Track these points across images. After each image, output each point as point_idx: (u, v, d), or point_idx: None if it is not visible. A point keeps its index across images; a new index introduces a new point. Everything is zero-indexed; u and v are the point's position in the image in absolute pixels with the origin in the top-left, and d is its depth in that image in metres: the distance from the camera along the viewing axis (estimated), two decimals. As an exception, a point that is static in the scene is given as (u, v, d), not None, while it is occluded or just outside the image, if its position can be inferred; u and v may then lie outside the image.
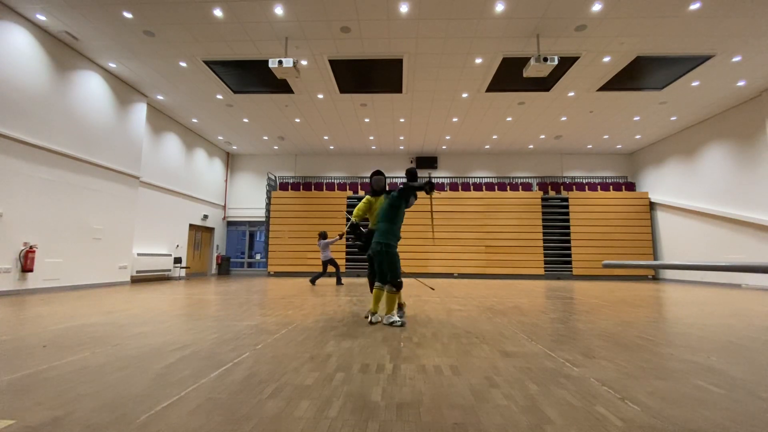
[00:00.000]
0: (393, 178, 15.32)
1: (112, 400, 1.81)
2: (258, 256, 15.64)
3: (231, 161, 15.62)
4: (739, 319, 4.46)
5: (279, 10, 6.53)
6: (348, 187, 14.56)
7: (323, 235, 9.27)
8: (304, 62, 8.23)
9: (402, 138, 13.35)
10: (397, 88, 9.48)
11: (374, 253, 3.80)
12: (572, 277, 13.29)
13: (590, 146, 14.12)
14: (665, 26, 6.85)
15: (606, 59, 8.01)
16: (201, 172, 13.39)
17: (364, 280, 9.99)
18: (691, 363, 2.53)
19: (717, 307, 5.50)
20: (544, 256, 13.52)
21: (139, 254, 9.84)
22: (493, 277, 13.37)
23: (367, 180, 15.36)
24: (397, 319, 3.84)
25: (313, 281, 9.23)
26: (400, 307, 4.17)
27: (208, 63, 8.35)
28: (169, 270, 11.20)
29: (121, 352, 2.70)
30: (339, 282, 9.27)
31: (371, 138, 13.38)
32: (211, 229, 14.35)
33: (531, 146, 14.19)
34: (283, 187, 14.78)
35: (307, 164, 15.61)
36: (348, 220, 9.51)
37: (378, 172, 4.39)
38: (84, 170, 8.04)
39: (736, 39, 7.18)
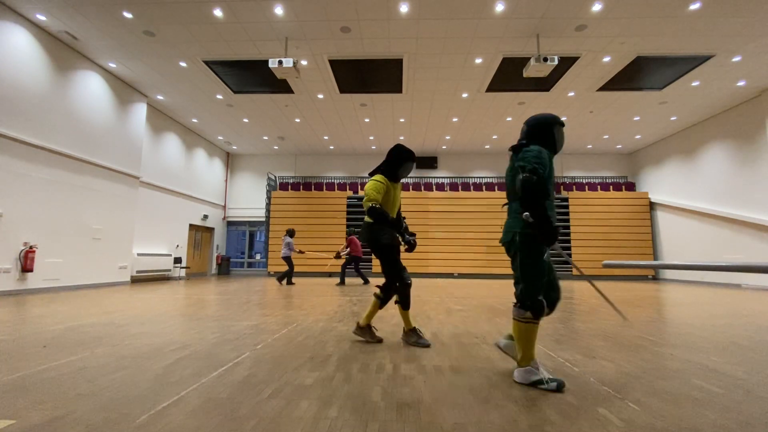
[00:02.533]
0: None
1: (112, 400, 1.81)
2: (258, 256, 15.64)
3: (231, 161, 15.61)
4: (739, 319, 4.46)
5: (279, 10, 6.53)
6: (348, 187, 14.56)
7: (290, 233, 9.55)
8: (304, 62, 8.23)
9: (402, 138, 13.35)
10: (397, 88, 9.48)
11: (504, 245, 2.25)
12: (572, 277, 13.29)
13: (590, 146, 14.12)
14: (665, 26, 6.85)
15: (606, 59, 8.01)
16: (201, 172, 13.39)
17: (364, 280, 9.95)
18: (691, 363, 2.53)
19: (717, 307, 5.50)
20: (544, 256, 13.49)
21: (139, 254, 9.84)
22: (493, 277, 13.36)
23: (367, 180, 15.30)
24: (546, 377, 2.04)
25: (288, 281, 9.45)
26: (416, 332, 3.01)
27: (208, 63, 8.34)
28: (169, 270, 11.20)
29: (121, 352, 2.70)
30: (288, 282, 9.45)
31: (371, 138, 13.38)
32: (211, 229, 14.35)
33: (531, 146, 14.15)
34: (283, 187, 14.78)
35: (307, 164, 15.60)
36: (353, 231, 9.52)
37: (412, 156, 3.06)
38: (84, 170, 8.04)
39: (736, 39, 7.18)
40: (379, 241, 2.98)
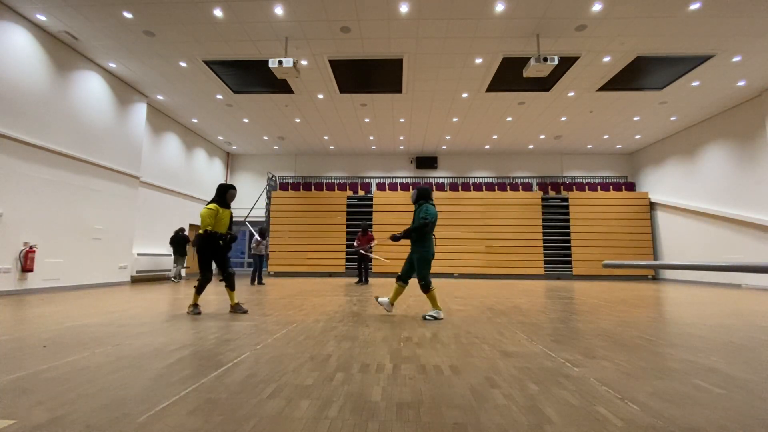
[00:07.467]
0: (392, 178, 15.32)
1: (112, 400, 1.81)
2: (258, 256, 15.62)
3: (231, 161, 15.61)
4: (739, 319, 4.46)
5: (279, 10, 6.53)
6: (348, 187, 14.56)
7: (262, 234, 9.29)
8: (304, 62, 8.23)
9: (402, 138, 13.35)
10: (397, 88, 9.48)
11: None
12: (572, 277, 13.29)
13: (590, 146, 14.12)
14: (665, 26, 6.85)
15: (606, 59, 8.01)
16: (201, 172, 13.39)
17: (370, 280, 9.94)
18: (691, 363, 2.53)
19: (717, 307, 5.50)
20: (544, 256, 13.51)
21: (139, 254, 9.83)
22: (493, 277, 13.36)
23: (367, 180, 15.35)
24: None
25: (253, 281, 9.21)
26: (239, 306, 4.62)
27: (208, 63, 8.34)
28: (170, 270, 11.19)
29: (121, 352, 2.70)
30: (255, 281, 9.25)
31: (371, 138, 13.38)
32: (211, 229, 14.32)
33: (531, 146, 14.19)
34: (283, 187, 14.78)
35: (307, 164, 15.61)
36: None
37: (233, 187, 4.65)
38: (84, 170, 8.04)
39: (736, 39, 7.18)
40: (206, 249, 4.47)
